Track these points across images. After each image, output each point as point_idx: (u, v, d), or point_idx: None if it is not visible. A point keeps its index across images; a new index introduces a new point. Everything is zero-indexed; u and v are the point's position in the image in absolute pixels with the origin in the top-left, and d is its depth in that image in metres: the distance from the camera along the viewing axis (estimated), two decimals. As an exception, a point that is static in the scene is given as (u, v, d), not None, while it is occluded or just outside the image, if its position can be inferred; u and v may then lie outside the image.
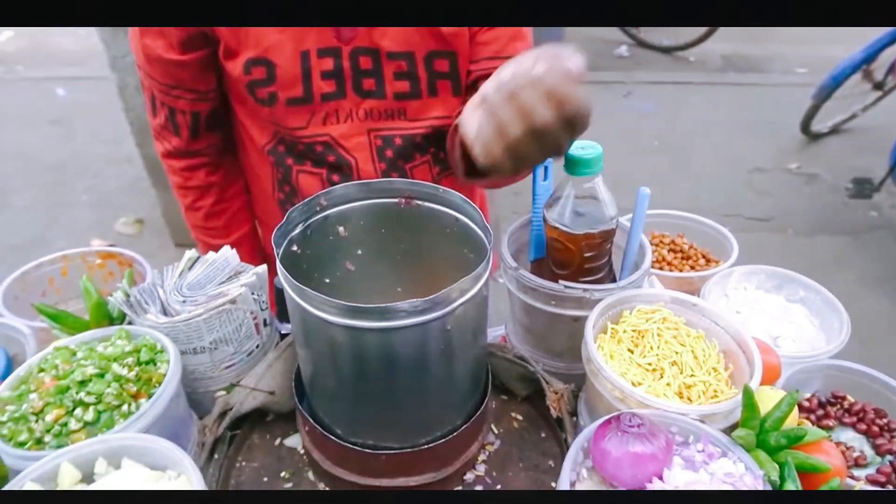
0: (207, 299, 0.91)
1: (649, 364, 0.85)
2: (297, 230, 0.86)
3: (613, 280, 0.98)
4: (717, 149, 4.28)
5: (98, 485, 0.69)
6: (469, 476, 0.93)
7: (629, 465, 0.65)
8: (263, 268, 0.98)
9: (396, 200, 0.91)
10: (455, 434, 0.86)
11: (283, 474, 0.94)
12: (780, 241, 3.50)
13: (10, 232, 3.68)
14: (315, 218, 0.88)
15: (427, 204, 0.91)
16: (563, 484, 0.66)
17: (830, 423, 0.90)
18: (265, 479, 0.94)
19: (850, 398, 0.93)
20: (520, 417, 1.02)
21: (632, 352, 0.87)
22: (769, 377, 0.88)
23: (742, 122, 4.55)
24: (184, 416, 0.86)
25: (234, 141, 1.23)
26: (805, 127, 4.24)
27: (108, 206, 3.81)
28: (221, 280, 0.95)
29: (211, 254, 0.98)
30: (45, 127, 4.65)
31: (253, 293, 0.95)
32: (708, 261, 1.19)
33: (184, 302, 0.91)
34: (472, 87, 1.08)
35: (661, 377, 0.84)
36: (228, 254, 0.99)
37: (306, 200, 0.85)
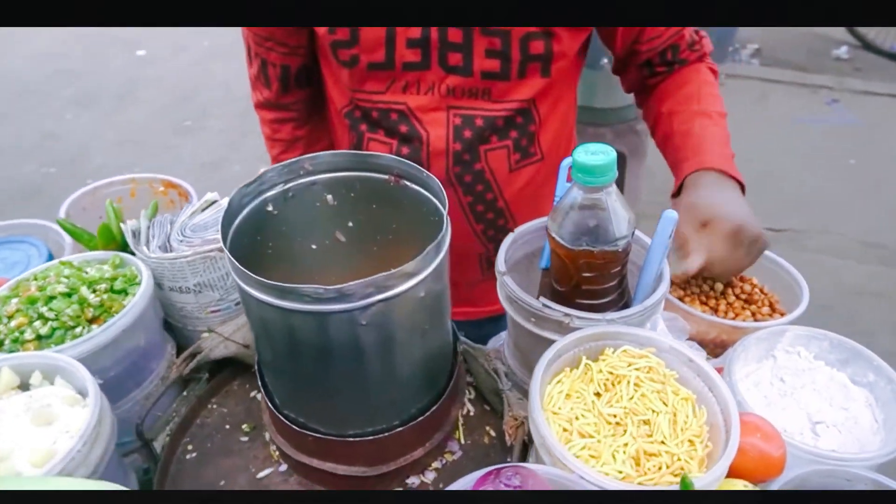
0: (202, 243, 0.93)
1: (613, 416, 0.72)
2: (275, 191, 0.84)
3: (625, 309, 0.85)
4: (928, 180, 3.61)
5: (29, 394, 0.74)
6: (413, 480, 0.88)
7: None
8: None
9: (387, 177, 0.85)
10: (388, 434, 0.80)
11: (244, 426, 0.95)
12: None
13: (204, 150, 4.15)
14: (298, 182, 0.85)
15: (414, 186, 0.84)
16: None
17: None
18: (227, 426, 0.95)
19: (885, 522, 0.73)
20: (493, 433, 0.94)
21: (599, 395, 0.75)
22: (761, 471, 0.71)
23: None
24: (148, 348, 0.90)
25: (322, 99, 1.24)
26: None
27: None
28: (224, 226, 0.97)
29: (225, 199, 1.00)
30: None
31: (249, 245, 0.96)
32: (773, 311, 0.99)
33: (181, 241, 0.94)
34: (647, 65, 1.11)
35: (623, 434, 0.71)
36: (242, 203, 1.00)
37: (288, 162, 0.83)
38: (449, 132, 1.04)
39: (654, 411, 0.73)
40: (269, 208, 0.83)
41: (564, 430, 0.72)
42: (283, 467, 0.89)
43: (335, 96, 1.13)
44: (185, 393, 0.95)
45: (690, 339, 0.94)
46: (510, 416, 0.84)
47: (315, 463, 0.84)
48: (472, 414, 0.97)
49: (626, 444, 0.70)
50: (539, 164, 1.11)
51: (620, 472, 0.67)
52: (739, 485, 0.67)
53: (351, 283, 0.65)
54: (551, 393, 0.75)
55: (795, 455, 0.75)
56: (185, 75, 4.98)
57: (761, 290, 1.03)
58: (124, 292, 0.86)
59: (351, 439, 0.80)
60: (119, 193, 1.25)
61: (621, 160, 2.59)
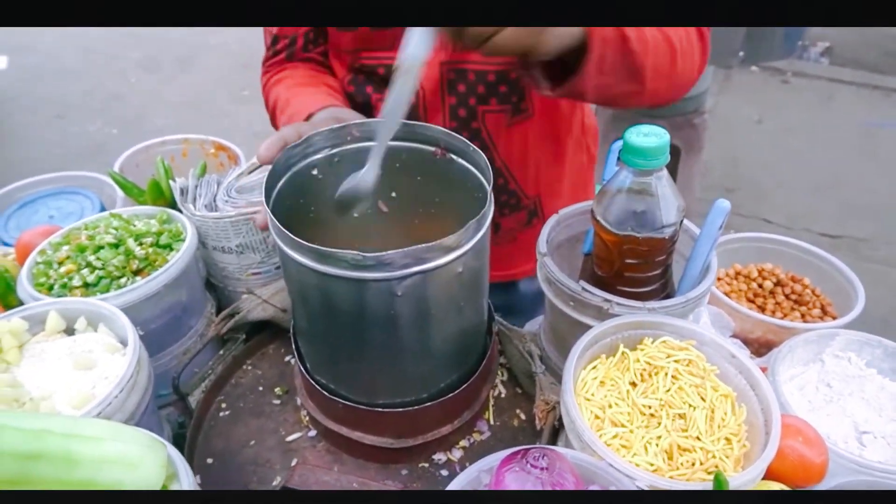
0: (246, 205, 0.94)
1: (647, 406, 0.70)
2: (321, 154, 0.83)
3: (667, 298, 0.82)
4: None
5: (73, 339, 0.76)
6: (440, 456, 0.87)
7: (513, 505, 0.55)
8: None
9: (433, 149, 0.84)
10: (417, 407, 0.80)
11: (276, 389, 0.96)
12: None
13: (258, 120, 4.21)
14: (345, 147, 0.84)
15: (460, 160, 0.83)
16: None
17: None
18: (260, 388, 0.97)
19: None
20: (523, 416, 0.92)
21: (634, 385, 0.73)
22: (800, 477, 0.68)
23: None
24: (189, 304, 0.91)
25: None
26: None
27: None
28: (270, 190, 0.98)
29: (273, 164, 1.01)
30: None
31: (292, 210, 0.96)
32: (825, 314, 0.95)
33: (226, 201, 0.95)
34: None
35: (657, 426, 0.69)
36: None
37: (336, 126, 0.82)
38: (443, 86, 1.02)
39: (690, 405, 0.70)
40: (314, 172, 0.83)
41: (597, 417, 0.70)
42: (313, 433, 0.90)
43: (336, 66, 1.11)
44: (221, 352, 0.97)
45: (734, 336, 0.91)
46: (542, 399, 0.82)
47: (344, 431, 0.84)
48: (503, 395, 0.96)
49: (659, 437, 0.68)
50: (530, 122, 1.07)
51: (652, 465, 0.66)
52: (776, 487, 0.64)
53: (390, 251, 0.64)
54: (585, 378, 0.73)
55: (838, 463, 0.72)
56: (246, 44, 5.04)
57: (813, 292, 0.99)
58: (169, 247, 0.88)
59: (380, 409, 0.80)
60: (172, 153, 1.27)
61: (675, 154, 2.53)
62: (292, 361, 0.99)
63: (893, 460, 0.76)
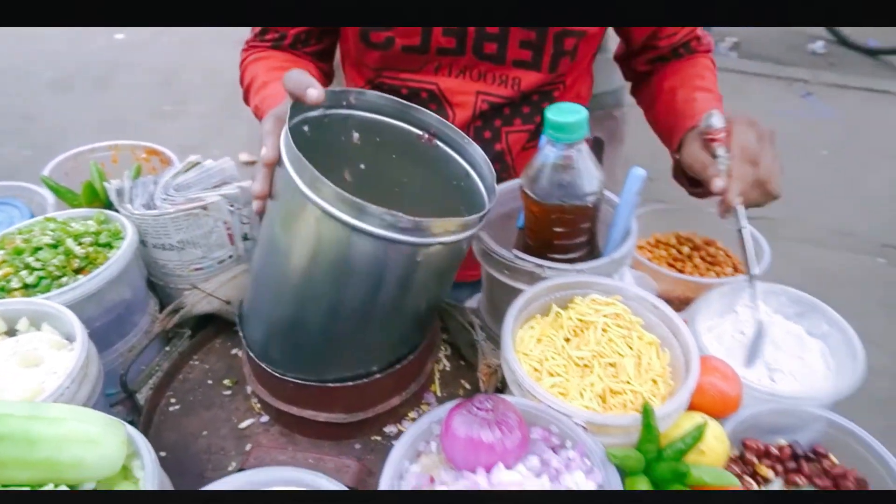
0: (185, 201, 0.95)
1: (580, 358, 0.76)
2: (316, 113, 0.80)
3: (593, 265, 0.89)
4: (901, 172, 3.71)
5: (16, 339, 0.76)
6: (391, 428, 0.91)
7: (463, 448, 0.60)
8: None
9: (420, 133, 0.86)
10: (367, 380, 0.83)
11: (226, 381, 0.97)
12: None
13: (184, 135, 4.13)
14: (336, 111, 0.82)
15: (447, 149, 0.86)
16: (400, 448, 0.62)
17: (800, 480, 0.76)
18: (209, 381, 0.98)
19: (834, 459, 0.78)
20: (468, 386, 0.97)
21: (568, 340, 0.79)
22: (719, 408, 0.76)
23: (942, 146, 3.89)
24: (132, 302, 0.92)
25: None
26: None
27: (264, 127, 4.15)
28: (207, 187, 0.99)
29: (209, 161, 1.03)
30: (232, 47, 5.12)
31: (232, 204, 0.98)
32: (736, 271, 1.04)
33: (164, 200, 0.96)
34: (659, 59, 1.14)
35: (591, 374, 0.75)
36: (226, 164, 1.03)
37: (338, 89, 0.81)
38: (474, 114, 1.07)
39: (620, 354, 0.77)
40: (305, 128, 0.79)
41: (535, 370, 0.76)
42: (265, 418, 0.92)
43: (352, 75, 1.13)
44: (168, 348, 0.97)
45: (658, 296, 0.98)
46: (484, 363, 0.87)
47: (295, 410, 0.86)
48: (447, 369, 1.00)
49: (592, 384, 0.74)
50: None
51: (587, 407, 0.71)
52: (698, 417, 0.71)
53: (426, 219, 0.66)
54: (523, 336, 0.79)
55: (753, 396, 0.80)
56: (164, 59, 4.94)
57: (726, 253, 1.07)
58: (109, 245, 0.88)
59: (331, 385, 0.83)
60: (101, 160, 1.25)
61: (599, 146, 2.64)
62: (239, 353, 1.01)
63: (800, 390, 0.85)
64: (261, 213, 0.77)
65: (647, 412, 0.64)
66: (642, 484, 0.62)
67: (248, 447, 0.88)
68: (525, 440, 0.62)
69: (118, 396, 0.92)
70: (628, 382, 0.74)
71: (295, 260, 0.74)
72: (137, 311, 0.94)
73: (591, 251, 0.90)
